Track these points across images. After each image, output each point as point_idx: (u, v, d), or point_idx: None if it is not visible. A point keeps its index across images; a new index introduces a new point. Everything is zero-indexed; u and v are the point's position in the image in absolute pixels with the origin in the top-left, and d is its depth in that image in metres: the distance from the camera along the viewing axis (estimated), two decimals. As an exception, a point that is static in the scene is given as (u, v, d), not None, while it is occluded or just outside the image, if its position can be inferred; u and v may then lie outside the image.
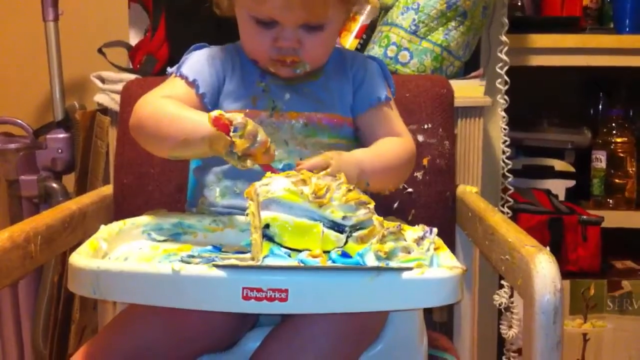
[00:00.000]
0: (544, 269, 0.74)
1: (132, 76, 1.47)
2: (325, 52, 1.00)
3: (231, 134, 0.84)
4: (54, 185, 1.70)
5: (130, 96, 1.22)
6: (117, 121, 1.30)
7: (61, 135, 1.72)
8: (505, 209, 1.64)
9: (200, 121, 0.86)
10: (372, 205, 0.79)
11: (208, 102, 0.99)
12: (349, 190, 0.79)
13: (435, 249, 0.82)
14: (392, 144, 1.01)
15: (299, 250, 0.75)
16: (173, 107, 0.92)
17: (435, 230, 0.84)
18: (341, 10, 0.97)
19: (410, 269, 0.73)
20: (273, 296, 0.70)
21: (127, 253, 0.87)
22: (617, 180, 1.97)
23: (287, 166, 0.94)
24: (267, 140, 0.85)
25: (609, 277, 1.79)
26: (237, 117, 0.84)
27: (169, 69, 1.03)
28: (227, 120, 0.84)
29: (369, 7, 1.53)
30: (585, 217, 1.77)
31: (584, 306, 1.75)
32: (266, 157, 0.86)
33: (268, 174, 0.81)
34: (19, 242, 0.83)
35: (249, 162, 0.85)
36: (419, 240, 0.83)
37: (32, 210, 1.70)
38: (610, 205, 1.95)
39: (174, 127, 0.89)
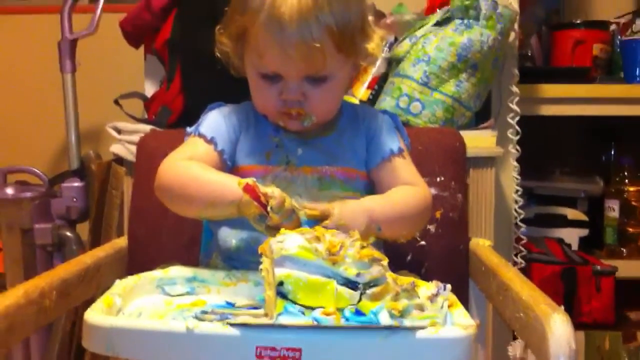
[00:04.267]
0: (558, 329, 0.74)
1: (148, 127, 1.49)
2: (332, 104, 1.01)
3: (268, 209, 0.86)
4: (68, 233, 1.71)
5: (146, 148, 1.24)
6: (133, 172, 1.32)
7: (76, 184, 1.74)
8: (519, 259, 1.64)
9: (229, 185, 0.89)
10: (385, 262, 0.79)
11: (227, 158, 1.00)
12: (363, 247, 0.79)
13: (449, 306, 0.82)
14: (405, 191, 1.01)
15: (313, 308, 0.75)
16: (199, 169, 0.94)
17: (449, 286, 0.84)
18: (344, 62, 0.97)
19: (424, 327, 0.73)
20: (287, 355, 0.70)
21: (140, 308, 0.87)
22: (630, 229, 1.97)
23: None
24: (300, 214, 0.88)
25: (624, 329, 1.77)
26: (274, 193, 0.86)
27: (188, 129, 1.05)
28: (261, 192, 0.86)
29: (380, 59, 1.55)
30: (599, 267, 1.76)
31: (599, 359, 1.73)
32: (293, 225, 0.87)
33: (282, 230, 0.81)
34: (33, 297, 0.83)
35: (268, 231, 0.86)
36: (433, 297, 0.82)
37: (46, 259, 1.71)
38: (624, 255, 1.93)
39: (201, 190, 0.91)
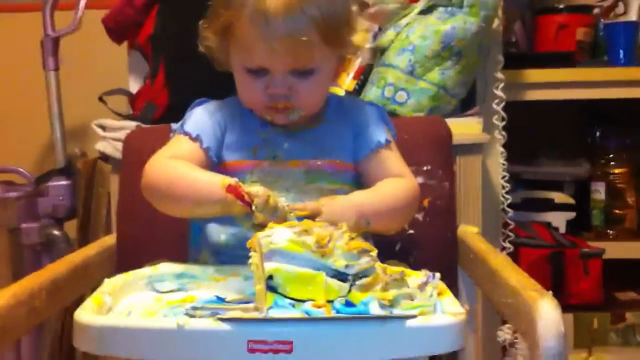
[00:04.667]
0: (547, 314, 0.74)
1: (133, 123, 1.49)
2: (318, 97, 1.01)
3: (253, 207, 0.86)
4: (56, 232, 1.71)
5: (132, 145, 1.24)
6: (119, 169, 1.31)
7: (63, 183, 1.73)
8: (507, 244, 1.65)
9: (214, 183, 0.89)
10: (374, 253, 0.80)
11: (213, 155, 1.00)
12: (352, 239, 0.79)
13: (438, 294, 0.82)
14: (393, 184, 1.01)
15: (303, 301, 0.75)
16: (184, 168, 0.94)
17: (438, 275, 0.85)
18: (330, 55, 0.98)
19: (414, 316, 0.73)
20: (278, 348, 0.70)
21: (131, 306, 0.87)
22: (617, 211, 1.98)
23: None
24: (286, 211, 0.88)
25: (612, 310, 1.79)
26: (259, 192, 0.86)
27: (173, 126, 1.04)
28: (244, 191, 0.86)
29: (365, 49, 1.55)
30: (586, 250, 1.78)
31: (588, 340, 1.74)
32: (279, 221, 0.87)
33: (270, 224, 0.81)
34: (23, 298, 0.83)
35: (255, 228, 0.86)
36: (422, 286, 0.83)
37: (34, 258, 1.70)
38: (611, 237, 1.95)
39: (187, 190, 0.92)
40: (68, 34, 1.79)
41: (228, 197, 0.87)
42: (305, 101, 0.98)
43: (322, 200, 0.92)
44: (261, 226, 0.85)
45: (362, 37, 1.00)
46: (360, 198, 0.96)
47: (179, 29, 1.48)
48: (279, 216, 0.87)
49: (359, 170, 1.04)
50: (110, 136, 1.50)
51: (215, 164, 1.00)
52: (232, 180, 0.88)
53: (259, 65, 0.95)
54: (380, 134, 1.04)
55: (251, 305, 0.82)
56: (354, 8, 1.01)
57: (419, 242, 1.18)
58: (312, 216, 0.89)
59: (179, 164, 0.95)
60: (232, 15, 0.94)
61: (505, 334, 1.55)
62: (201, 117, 1.02)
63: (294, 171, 1.00)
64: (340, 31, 0.96)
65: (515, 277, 0.86)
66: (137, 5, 1.59)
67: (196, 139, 1.00)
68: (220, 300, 0.87)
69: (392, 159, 1.05)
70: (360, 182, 1.04)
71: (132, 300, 0.89)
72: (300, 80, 0.96)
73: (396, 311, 0.75)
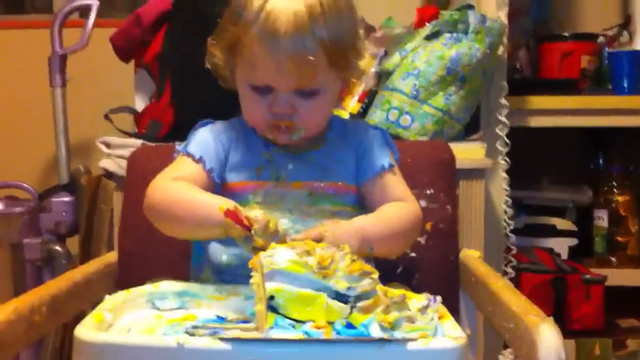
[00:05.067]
0: (548, 339, 0.74)
1: (138, 141, 1.49)
2: (320, 118, 1.01)
3: (252, 232, 0.86)
4: (58, 248, 1.71)
5: (136, 163, 1.24)
6: (123, 186, 1.32)
7: (66, 199, 1.74)
8: (509, 269, 1.64)
9: (213, 206, 0.89)
10: (376, 275, 0.80)
11: (216, 176, 1.00)
12: (353, 261, 0.79)
13: (439, 318, 0.82)
14: (396, 209, 1.02)
15: (304, 322, 0.75)
16: (185, 190, 0.94)
17: (439, 298, 0.84)
18: (335, 77, 0.98)
19: (414, 339, 0.73)
20: (278, 369, 0.70)
21: (131, 323, 0.87)
22: (619, 239, 1.98)
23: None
24: (286, 235, 0.88)
25: (614, 336, 1.79)
26: (258, 217, 0.86)
27: (177, 147, 1.04)
28: (243, 216, 0.87)
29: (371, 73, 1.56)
30: (588, 276, 1.77)
31: (590, 366, 1.73)
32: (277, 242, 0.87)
33: (272, 244, 0.82)
34: (24, 314, 0.83)
35: (255, 250, 0.86)
36: (423, 309, 0.82)
37: (36, 273, 1.70)
38: (614, 264, 1.95)
39: (188, 212, 0.92)
40: (76, 52, 1.80)
41: (227, 221, 0.87)
42: (307, 122, 0.98)
43: (325, 225, 0.92)
44: (262, 249, 0.85)
45: (367, 61, 1.01)
46: (363, 223, 0.96)
47: (186, 48, 1.50)
48: (279, 240, 0.87)
49: (361, 192, 1.04)
50: (115, 153, 1.51)
51: (218, 185, 1.00)
52: (230, 205, 0.88)
53: (264, 83, 0.95)
54: (384, 158, 1.05)
55: (251, 325, 0.82)
56: (361, 32, 1.01)
57: (421, 265, 1.18)
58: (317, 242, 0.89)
59: (180, 186, 0.95)
60: (241, 32, 0.95)
61: (506, 358, 1.55)
62: (205, 138, 1.03)
63: (296, 193, 1.00)
64: (346, 54, 0.97)
65: (516, 301, 0.86)
66: (145, 24, 1.60)
67: (199, 160, 1.00)
68: (221, 319, 0.87)
69: (395, 182, 1.05)
70: (362, 204, 1.04)
71: (133, 318, 0.89)
72: (304, 100, 0.96)
73: (397, 334, 0.75)
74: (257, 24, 0.92)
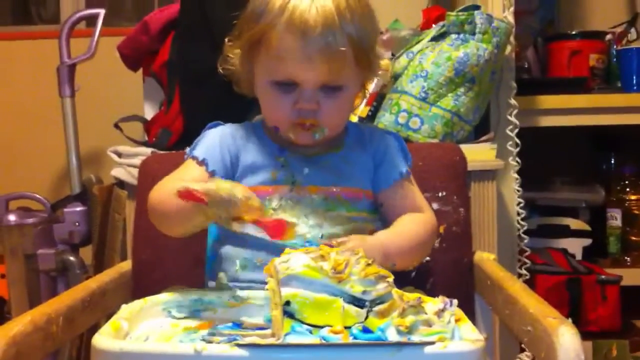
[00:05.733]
0: (567, 341, 0.74)
1: (148, 150, 1.50)
2: (342, 116, 1.02)
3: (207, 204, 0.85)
4: (71, 258, 1.71)
5: (148, 171, 1.24)
6: (134, 195, 1.32)
7: (78, 209, 1.75)
8: (523, 271, 1.64)
9: (174, 195, 0.88)
10: (391, 279, 0.79)
11: (220, 177, 1.00)
12: (368, 265, 0.79)
13: (456, 321, 0.82)
14: (415, 222, 1.02)
15: (320, 327, 0.75)
16: (172, 186, 0.93)
17: (455, 301, 0.84)
18: (357, 75, 0.99)
19: (432, 343, 0.72)
20: (296, 375, 0.70)
21: (148, 332, 0.87)
22: (633, 238, 1.97)
23: (308, 242, 0.96)
24: (243, 198, 0.85)
25: (631, 337, 1.77)
26: (210, 187, 0.85)
27: (187, 151, 1.05)
28: (194, 191, 0.85)
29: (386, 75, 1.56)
30: (603, 276, 1.76)
31: (607, 368, 1.72)
32: (252, 213, 0.86)
33: (287, 250, 0.81)
34: (40, 324, 0.83)
35: (235, 225, 0.86)
36: (440, 313, 0.82)
37: (50, 284, 1.71)
38: (628, 264, 1.93)
39: (171, 206, 0.91)
40: (84, 61, 1.81)
41: (187, 203, 0.86)
42: (331, 119, 0.98)
43: (352, 240, 0.91)
44: (236, 220, 0.85)
45: (385, 62, 1.02)
46: (386, 240, 0.96)
47: (194, 55, 1.51)
48: (232, 207, 0.85)
49: (379, 199, 1.04)
50: (126, 162, 1.51)
51: None
52: (180, 187, 0.86)
53: (289, 78, 0.95)
54: (401, 165, 1.05)
55: (268, 331, 0.82)
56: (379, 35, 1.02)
57: (435, 268, 1.18)
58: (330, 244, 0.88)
59: (171, 185, 0.94)
60: (265, 27, 0.94)
61: (522, 361, 1.54)
62: (211, 141, 1.03)
63: (312, 198, 1.00)
64: (369, 52, 0.98)
65: (534, 304, 0.85)
66: (152, 32, 1.61)
67: (202, 162, 1.00)
68: (237, 326, 0.87)
69: (413, 191, 1.06)
70: (376, 209, 1.04)
71: (149, 326, 0.89)
72: (328, 96, 0.96)
73: (414, 338, 0.75)
74: (284, 17, 0.93)
